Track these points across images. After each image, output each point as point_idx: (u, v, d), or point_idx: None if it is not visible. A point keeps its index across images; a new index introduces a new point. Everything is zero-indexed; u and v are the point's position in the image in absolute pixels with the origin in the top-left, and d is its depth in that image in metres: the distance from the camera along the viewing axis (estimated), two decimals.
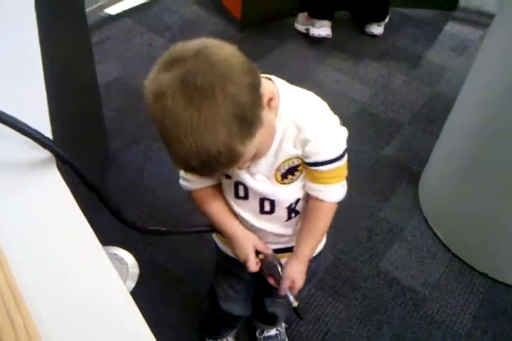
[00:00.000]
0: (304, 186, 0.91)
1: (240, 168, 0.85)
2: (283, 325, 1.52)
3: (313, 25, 2.69)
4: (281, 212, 0.95)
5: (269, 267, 0.96)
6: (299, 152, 0.85)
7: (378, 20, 2.86)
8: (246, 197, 0.93)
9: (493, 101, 1.53)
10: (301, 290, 0.99)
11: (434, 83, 2.60)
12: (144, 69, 2.49)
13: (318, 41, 2.74)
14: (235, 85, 0.66)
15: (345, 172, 0.90)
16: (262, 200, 0.93)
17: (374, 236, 1.85)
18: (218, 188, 0.97)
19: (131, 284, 1.31)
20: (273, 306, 1.31)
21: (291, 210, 0.96)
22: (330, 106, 0.88)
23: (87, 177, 0.72)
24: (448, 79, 2.62)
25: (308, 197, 0.93)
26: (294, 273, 0.95)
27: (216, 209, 0.97)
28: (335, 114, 0.88)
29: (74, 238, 0.64)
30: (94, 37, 2.59)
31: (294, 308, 0.95)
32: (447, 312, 1.64)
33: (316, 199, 0.90)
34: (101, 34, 2.64)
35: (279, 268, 0.96)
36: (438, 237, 1.84)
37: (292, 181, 0.90)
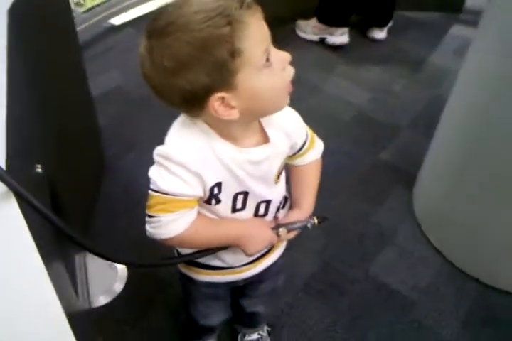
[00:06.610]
0: (293, 166, 1.02)
1: None
2: (265, 328, 1.52)
3: (332, 33, 2.76)
4: (272, 213, 1.00)
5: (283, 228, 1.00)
6: (289, 151, 0.97)
7: (381, 25, 2.86)
8: (244, 207, 0.94)
9: (481, 104, 1.51)
10: None
11: (435, 86, 2.57)
12: None
13: (317, 45, 2.80)
14: None
15: (310, 132, 1.00)
16: (257, 205, 0.96)
17: (365, 240, 1.84)
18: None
19: (120, 286, 1.36)
20: (252, 305, 1.31)
21: (278, 210, 1.01)
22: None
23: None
24: (450, 83, 2.58)
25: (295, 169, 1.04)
26: (297, 217, 1.01)
27: (210, 228, 0.93)
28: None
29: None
30: (98, 47, 2.67)
31: (319, 222, 1.01)
32: (436, 317, 1.62)
33: (314, 161, 1.02)
34: (105, 44, 2.70)
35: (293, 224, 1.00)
36: (430, 242, 1.82)
37: (279, 179, 0.97)
